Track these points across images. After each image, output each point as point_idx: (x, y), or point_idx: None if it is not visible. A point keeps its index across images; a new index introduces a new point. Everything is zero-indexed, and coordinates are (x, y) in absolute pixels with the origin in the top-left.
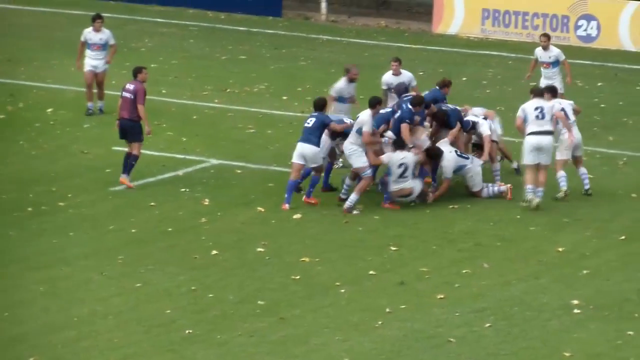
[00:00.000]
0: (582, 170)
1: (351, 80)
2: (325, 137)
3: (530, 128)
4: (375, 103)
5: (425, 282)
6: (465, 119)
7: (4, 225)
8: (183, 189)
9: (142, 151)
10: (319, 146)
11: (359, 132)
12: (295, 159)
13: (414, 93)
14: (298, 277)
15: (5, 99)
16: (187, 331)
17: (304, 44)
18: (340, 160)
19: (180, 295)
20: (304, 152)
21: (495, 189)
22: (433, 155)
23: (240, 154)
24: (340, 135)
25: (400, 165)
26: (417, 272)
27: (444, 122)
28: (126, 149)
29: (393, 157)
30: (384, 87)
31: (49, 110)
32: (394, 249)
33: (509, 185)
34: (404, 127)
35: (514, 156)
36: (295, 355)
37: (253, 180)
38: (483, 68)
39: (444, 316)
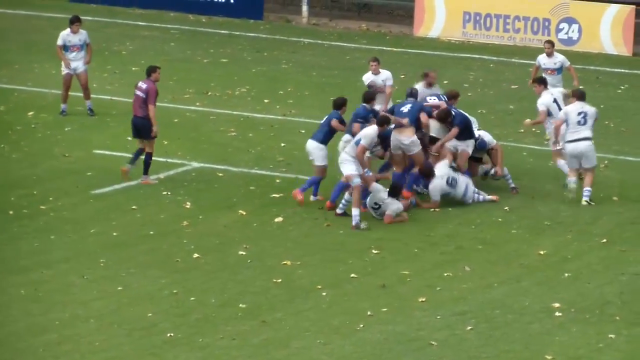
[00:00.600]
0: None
1: (429, 85)
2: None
3: (569, 135)
4: (383, 122)
5: (406, 285)
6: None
7: None
8: (165, 192)
9: (124, 154)
10: (324, 143)
11: (357, 143)
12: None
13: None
14: (280, 280)
15: None
16: (168, 334)
17: (286, 47)
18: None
19: (162, 299)
20: (308, 147)
21: (481, 197)
22: (424, 174)
23: (222, 157)
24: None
25: (376, 203)
26: (399, 275)
27: (444, 119)
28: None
29: (375, 189)
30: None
31: (30, 113)
32: (376, 252)
33: (496, 197)
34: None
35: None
36: (277, 359)
37: (235, 184)
38: (464, 71)
39: (425, 319)
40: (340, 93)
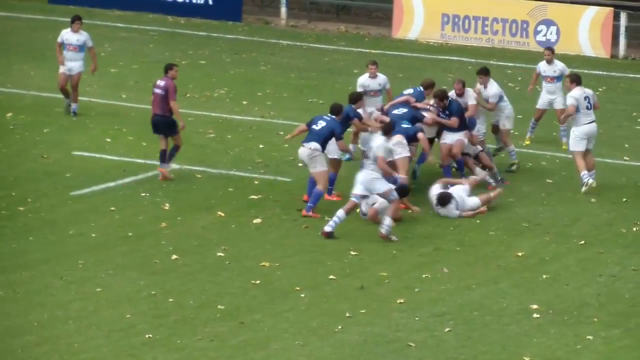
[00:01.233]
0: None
1: (459, 95)
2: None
3: (583, 119)
4: (388, 129)
5: (385, 287)
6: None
7: None
8: (143, 194)
9: (102, 156)
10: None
11: (375, 160)
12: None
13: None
14: (258, 281)
15: None
16: (147, 336)
17: (264, 48)
18: None
19: (141, 300)
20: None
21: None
22: (441, 201)
23: (201, 159)
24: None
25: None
26: (377, 277)
27: (441, 97)
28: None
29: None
30: (360, 90)
31: (9, 114)
32: (354, 253)
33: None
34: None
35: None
36: None
37: (213, 185)
38: (443, 73)
39: (403, 321)
40: (318, 95)
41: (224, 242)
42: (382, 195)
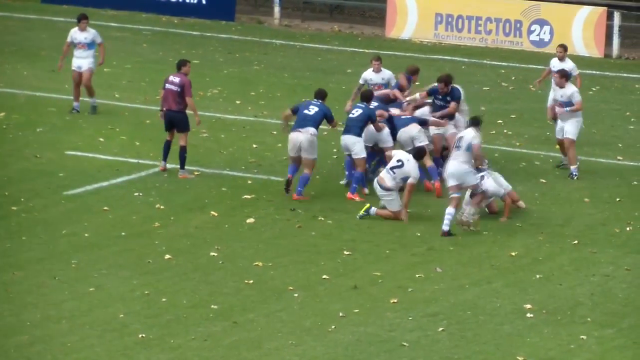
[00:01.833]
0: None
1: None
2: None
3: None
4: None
5: (378, 287)
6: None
7: None
8: (136, 194)
9: (95, 155)
10: (360, 136)
11: (468, 149)
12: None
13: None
14: (251, 281)
15: None
16: (140, 335)
17: (257, 48)
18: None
19: (134, 300)
20: (345, 142)
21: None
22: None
23: (194, 159)
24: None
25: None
26: (371, 277)
27: (446, 81)
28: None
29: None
30: (361, 82)
31: (2, 114)
32: (348, 253)
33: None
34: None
35: None
36: (249, 359)
37: (206, 185)
38: (436, 73)
39: (397, 320)
40: (311, 95)
41: (217, 242)
42: (471, 187)
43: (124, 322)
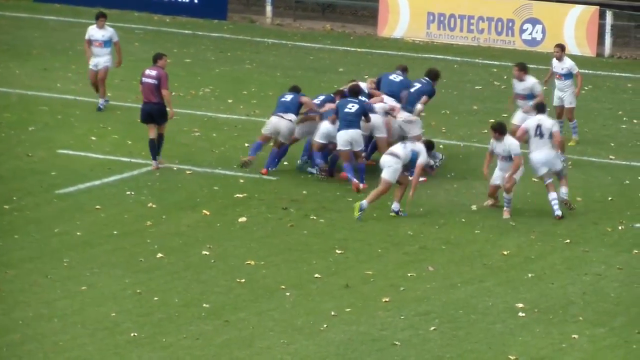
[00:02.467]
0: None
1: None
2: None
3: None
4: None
5: (370, 285)
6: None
7: None
8: (128, 192)
9: (88, 154)
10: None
11: (551, 136)
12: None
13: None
14: (243, 280)
15: None
16: (132, 334)
17: (249, 47)
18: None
19: (126, 298)
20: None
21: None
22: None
23: (186, 157)
24: None
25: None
26: (363, 275)
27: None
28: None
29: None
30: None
31: None
32: (339, 252)
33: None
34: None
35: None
36: (240, 358)
37: (198, 184)
38: None
39: (389, 319)
40: (304, 93)
41: (209, 241)
42: (558, 171)
43: (116, 321)
